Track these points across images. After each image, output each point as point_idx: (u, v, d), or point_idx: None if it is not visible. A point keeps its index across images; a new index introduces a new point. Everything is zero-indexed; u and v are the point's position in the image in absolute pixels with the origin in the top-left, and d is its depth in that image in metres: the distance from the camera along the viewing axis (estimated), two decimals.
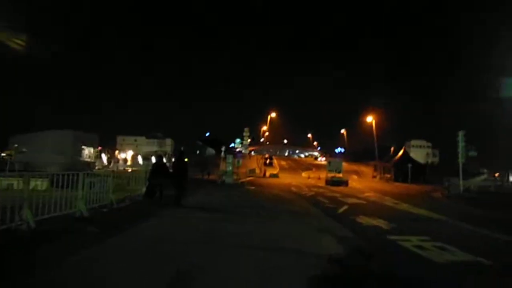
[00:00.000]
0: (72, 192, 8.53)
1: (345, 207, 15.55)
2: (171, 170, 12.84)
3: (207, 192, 18.51)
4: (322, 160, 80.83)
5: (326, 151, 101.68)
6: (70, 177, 8.58)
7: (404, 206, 17.19)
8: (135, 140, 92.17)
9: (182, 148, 16.35)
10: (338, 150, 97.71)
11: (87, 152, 34.45)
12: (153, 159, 33.40)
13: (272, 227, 9.23)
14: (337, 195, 21.72)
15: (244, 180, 34.48)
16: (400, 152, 47.42)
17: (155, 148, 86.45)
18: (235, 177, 29.15)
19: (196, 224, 9.07)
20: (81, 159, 32.87)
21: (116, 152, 57.13)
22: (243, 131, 40.78)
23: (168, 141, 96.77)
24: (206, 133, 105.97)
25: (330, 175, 33.72)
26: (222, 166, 28.95)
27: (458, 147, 25.16)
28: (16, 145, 29.09)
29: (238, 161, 30.33)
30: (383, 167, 47.30)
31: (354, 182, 36.72)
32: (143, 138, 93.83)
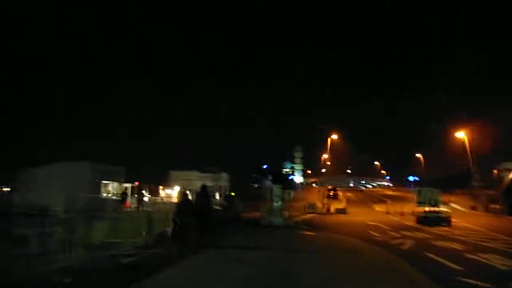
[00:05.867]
0: None
1: None
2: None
3: (231, 242, 10.96)
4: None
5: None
6: None
7: None
8: (188, 175, 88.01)
9: (205, 183, 11.38)
10: (411, 178, 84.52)
11: (111, 188, 29.03)
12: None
13: None
14: (457, 246, 12.72)
15: (300, 218, 26.28)
16: (510, 176, 35.86)
17: (209, 183, 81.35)
18: (286, 214, 21.23)
19: None
20: (102, 196, 27.44)
21: (160, 188, 51.86)
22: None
23: (224, 175, 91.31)
24: (263, 164, 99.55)
25: (422, 209, 24.12)
26: (268, 201, 21.18)
27: None
28: None
29: (289, 194, 22.31)
30: (488, 196, 35.99)
31: (453, 218, 26.58)
32: (197, 172, 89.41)
